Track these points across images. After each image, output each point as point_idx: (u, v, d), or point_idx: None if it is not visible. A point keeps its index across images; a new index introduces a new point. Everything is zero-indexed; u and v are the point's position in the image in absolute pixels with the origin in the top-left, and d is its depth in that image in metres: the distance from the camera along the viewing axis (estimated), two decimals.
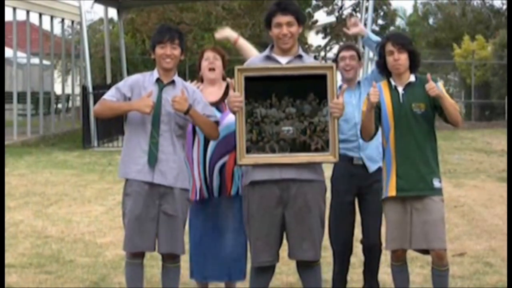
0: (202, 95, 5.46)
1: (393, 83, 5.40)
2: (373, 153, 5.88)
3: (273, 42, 5.20)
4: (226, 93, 5.61)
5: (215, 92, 5.68)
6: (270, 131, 5.07)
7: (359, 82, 5.97)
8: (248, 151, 5.07)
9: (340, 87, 5.33)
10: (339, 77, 5.75)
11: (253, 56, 5.57)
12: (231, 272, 5.75)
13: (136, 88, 5.34)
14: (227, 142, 5.49)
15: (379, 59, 5.45)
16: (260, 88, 5.06)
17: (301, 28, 5.16)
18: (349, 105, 5.77)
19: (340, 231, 5.98)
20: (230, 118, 5.45)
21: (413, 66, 5.39)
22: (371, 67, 31.79)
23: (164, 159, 5.27)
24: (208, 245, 5.73)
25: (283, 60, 5.13)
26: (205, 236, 5.75)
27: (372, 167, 5.89)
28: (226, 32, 6.07)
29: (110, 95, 5.33)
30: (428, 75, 5.29)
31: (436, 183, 5.34)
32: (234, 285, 5.91)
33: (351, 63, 5.91)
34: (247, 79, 5.05)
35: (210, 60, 5.76)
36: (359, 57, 6.05)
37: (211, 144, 5.59)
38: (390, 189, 5.34)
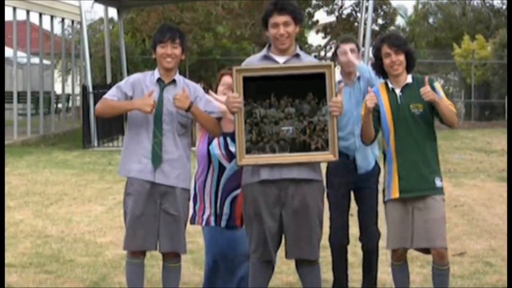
0: (203, 92, 5.46)
1: (390, 85, 5.40)
2: (368, 153, 5.90)
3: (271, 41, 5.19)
4: None
5: (230, 120, 5.39)
6: (270, 131, 5.06)
7: (358, 78, 5.93)
8: (248, 151, 5.07)
9: (340, 82, 5.32)
10: (337, 71, 5.75)
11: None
12: None
13: (138, 87, 5.34)
14: (241, 175, 5.43)
15: (375, 61, 5.45)
16: (259, 88, 5.05)
17: (298, 28, 5.13)
18: (348, 103, 5.75)
19: (336, 223, 6.00)
20: None
21: (409, 66, 5.40)
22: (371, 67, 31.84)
23: (167, 159, 5.28)
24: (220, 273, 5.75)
25: (281, 59, 5.12)
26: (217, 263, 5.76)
27: (362, 169, 5.91)
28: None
29: (111, 94, 5.34)
30: (426, 79, 5.30)
31: (437, 182, 5.35)
32: None
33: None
34: (246, 79, 5.05)
35: (227, 86, 5.67)
36: (359, 49, 6.00)
37: (225, 176, 5.60)
38: (393, 191, 5.35)
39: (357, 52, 5.95)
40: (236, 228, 5.66)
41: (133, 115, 5.32)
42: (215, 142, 5.60)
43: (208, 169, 5.64)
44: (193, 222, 5.71)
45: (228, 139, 5.54)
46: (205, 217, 5.66)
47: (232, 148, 5.54)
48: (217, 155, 5.58)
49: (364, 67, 5.86)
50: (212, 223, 5.66)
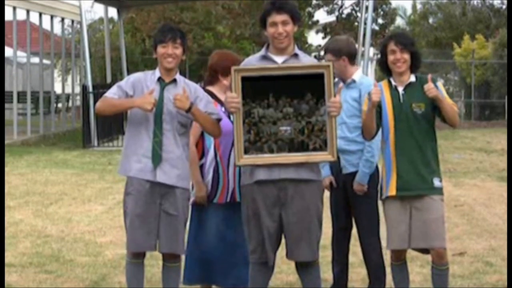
0: (204, 92, 5.46)
1: (393, 83, 5.41)
2: (352, 158, 5.91)
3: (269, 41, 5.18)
4: None
5: None
6: (268, 131, 5.06)
7: (354, 81, 5.90)
8: (246, 151, 5.06)
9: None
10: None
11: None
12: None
13: (138, 87, 5.34)
14: None
15: (381, 57, 5.46)
16: (257, 88, 5.05)
17: (297, 27, 5.11)
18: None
19: (336, 217, 6.06)
20: None
21: (414, 67, 5.40)
22: (371, 67, 31.73)
23: (167, 158, 5.28)
24: (223, 250, 5.67)
25: (279, 59, 5.11)
26: (223, 240, 5.68)
27: (346, 169, 5.91)
28: None
29: (112, 93, 5.34)
30: (429, 76, 5.31)
31: (436, 183, 5.35)
32: None
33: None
34: (244, 79, 5.04)
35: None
36: (338, 55, 5.87)
37: None
38: (391, 188, 5.35)
39: (336, 60, 5.80)
40: None
41: (133, 114, 5.32)
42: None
43: (232, 143, 5.56)
44: (212, 199, 5.63)
45: None
46: (230, 190, 5.61)
47: None
48: None
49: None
50: (238, 197, 5.57)
